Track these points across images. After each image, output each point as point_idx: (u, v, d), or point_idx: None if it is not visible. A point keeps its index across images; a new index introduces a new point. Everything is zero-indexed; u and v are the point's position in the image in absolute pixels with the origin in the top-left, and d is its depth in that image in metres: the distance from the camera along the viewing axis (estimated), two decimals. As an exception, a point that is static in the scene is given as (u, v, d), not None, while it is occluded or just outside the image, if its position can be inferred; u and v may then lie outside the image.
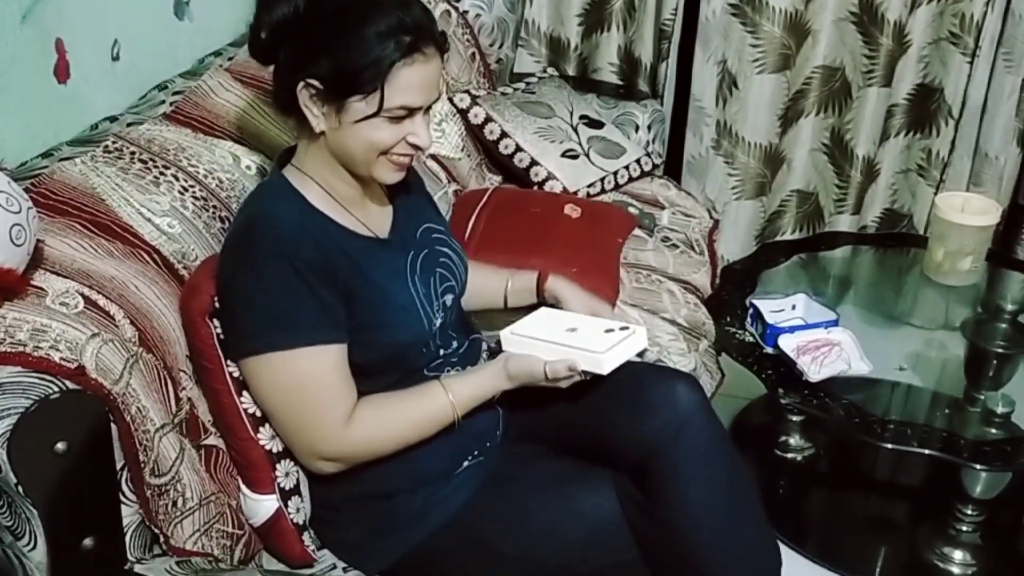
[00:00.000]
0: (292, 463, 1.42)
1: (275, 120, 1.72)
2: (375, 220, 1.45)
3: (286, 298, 1.29)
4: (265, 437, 1.39)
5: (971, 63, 2.72)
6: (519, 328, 1.46)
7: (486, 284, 1.66)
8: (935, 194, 2.85)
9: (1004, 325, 2.00)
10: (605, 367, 1.38)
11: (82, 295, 1.24)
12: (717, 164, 2.86)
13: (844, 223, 2.98)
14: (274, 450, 1.40)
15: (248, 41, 1.37)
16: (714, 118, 2.81)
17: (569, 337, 1.42)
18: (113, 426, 1.18)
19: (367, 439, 1.36)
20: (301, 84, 1.30)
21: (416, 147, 1.35)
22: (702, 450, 1.38)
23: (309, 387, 1.31)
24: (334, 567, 1.46)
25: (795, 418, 2.33)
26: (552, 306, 1.59)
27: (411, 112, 1.32)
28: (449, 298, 1.48)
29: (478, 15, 2.53)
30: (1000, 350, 1.97)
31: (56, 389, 1.10)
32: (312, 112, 1.32)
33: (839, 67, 2.77)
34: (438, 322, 1.43)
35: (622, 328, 1.44)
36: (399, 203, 1.51)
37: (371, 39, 1.27)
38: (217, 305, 1.35)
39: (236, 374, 1.37)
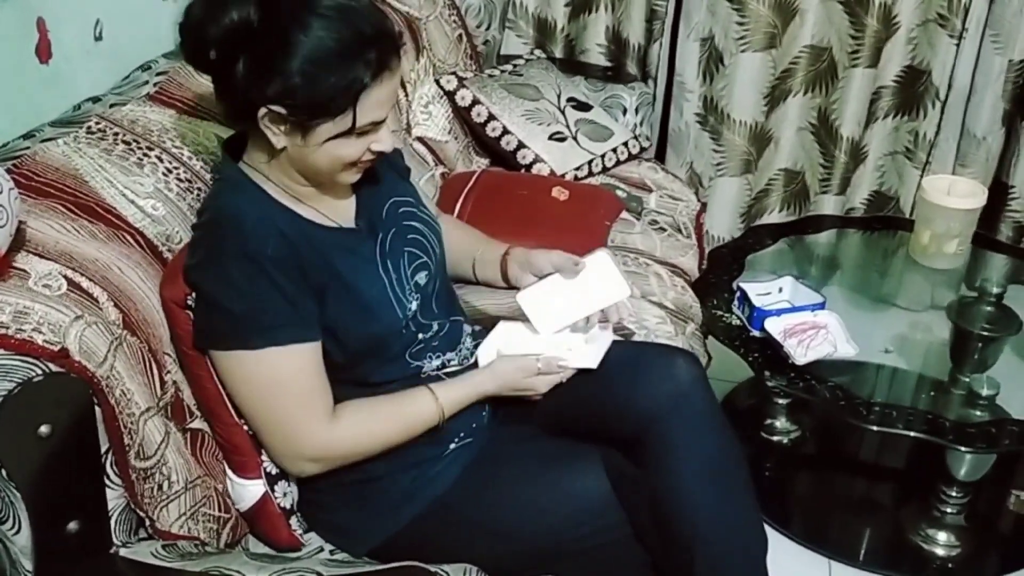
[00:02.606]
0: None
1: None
2: (337, 210, 1.42)
3: (253, 301, 1.27)
4: (250, 421, 1.38)
5: (958, 45, 2.72)
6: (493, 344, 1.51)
7: (461, 246, 1.66)
8: (921, 176, 2.86)
9: (989, 307, 2.00)
10: (592, 363, 1.45)
11: (65, 277, 1.23)
12: (703, 140, 2.86)
13: (831, 203, 2.99)
14: (259, 434, 1.39)
15: (185, 49, 1.27)
16: (695, 94, 2.81)
17: (548, 346, 1.48)
18: (97, 409, 1.17)
19: (352, 438, 1.35)
20: (263, 110, 1.24)
21: (380, 153, 1.34)
22: (699, 423, 1.39)
23: (283, 386, 1.30)
24: (321, 550, 1.46)
25: (781, 401, 2.34)
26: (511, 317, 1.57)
27: (377, 125, 1.31)
28: (422, 275, 1.46)
29: (465, -4, 2.51)
30: (985, 332, 1.97)
31: (39, 372, 1.09)
32: (272, 132, 1.27)
33: (826, 47, 2.77)
34: (413, 306, 1.41)
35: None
36: (361, 185, 1.46)
37: (338, 61, 1.22)
38: (190, 304, 1.33)
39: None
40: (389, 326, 1.39)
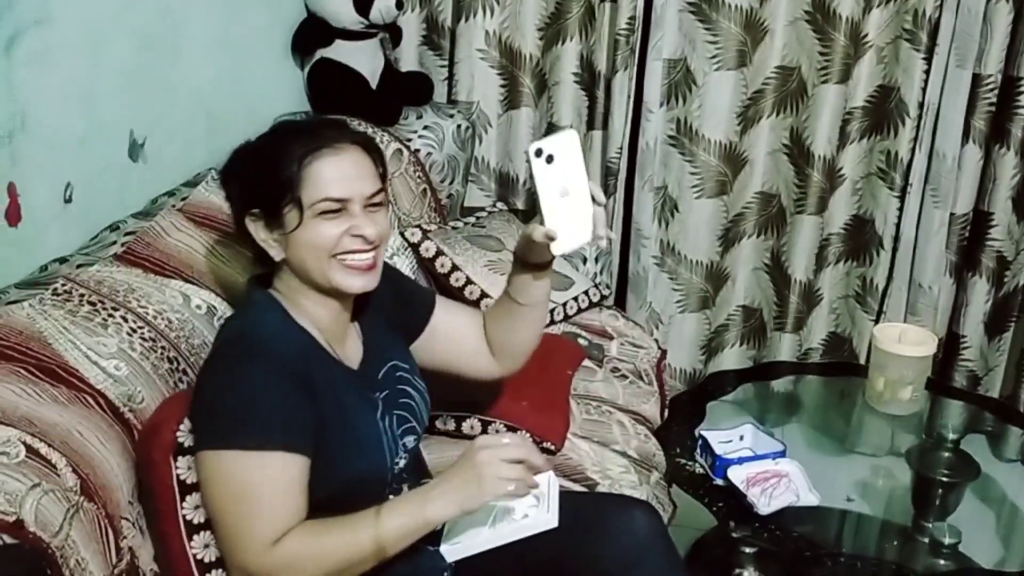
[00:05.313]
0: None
1: (227, 258, 1.74)
2: (348, 353, 1.47)
3: (259, 399, 1.30)
4: (212, 584, 1.35)
5: (901, 198, 2.85)
6: (453, 540, 1.40)
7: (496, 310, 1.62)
8: (875, 323, 2.94)
9: (947, 453, 2.03)
10: (552, 521, 1.35)
11: (24, 443, 1.21)
12: (661, 281, 2.98)
13: (788, 343, 3.06)
14: (220, 596, 1.36)
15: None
16: (652, 239, 2.92)
17: (500, 520, 1.38)
18: (50, 580, 1.14)
19: (289, 565, 1.29)
20: (247, 218, 1.38)
21: (362, 238, 1.37)
22: None
23: (254, 492, 1.28)
24: None
25: (748, 549, 2.32)
26: None
27: (343, 206, 1.35)
28: (410, 439, 1.48)
29: (429, 153, 2.59)
30: (944, 478, 1.99)
31: (-8, 544, 1.07)
32: (268, 243, 1.38)
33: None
34: (401, 463, 1.43)
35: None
36: (369, 340, 1.52)
37: (281, 152, 1.36)
38: (180, 441, 1.34)
39: (189, 517, 1.35)
40: (376, 469, 1.39)
